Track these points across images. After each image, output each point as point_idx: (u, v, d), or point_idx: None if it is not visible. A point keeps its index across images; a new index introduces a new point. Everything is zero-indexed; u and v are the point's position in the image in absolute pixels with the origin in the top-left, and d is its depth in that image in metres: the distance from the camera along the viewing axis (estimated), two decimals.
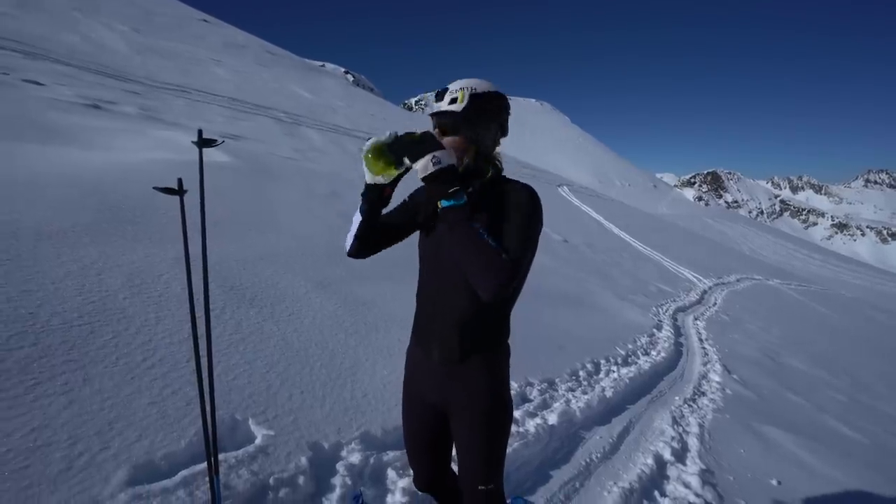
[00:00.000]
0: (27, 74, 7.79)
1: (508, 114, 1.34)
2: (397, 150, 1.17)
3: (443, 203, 1.16)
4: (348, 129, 15.76)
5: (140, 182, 3.93)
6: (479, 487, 1.35)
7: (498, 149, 1.37)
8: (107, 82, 9.91)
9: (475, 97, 1.25)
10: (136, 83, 11.05)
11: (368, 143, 1.21)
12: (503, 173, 1.37)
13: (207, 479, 1.54)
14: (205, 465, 1.67)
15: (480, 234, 1.14)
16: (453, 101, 1.25)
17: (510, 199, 1.26)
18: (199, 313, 1.59)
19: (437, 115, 1.29)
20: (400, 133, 1.19)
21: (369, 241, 1.42)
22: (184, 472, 1.65)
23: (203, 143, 1.34)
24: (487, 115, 1.28)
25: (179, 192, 1.33)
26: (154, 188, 1.35)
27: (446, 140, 1.27)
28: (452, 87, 1.27)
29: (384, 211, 1.43)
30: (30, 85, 7.20)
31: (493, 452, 1.36)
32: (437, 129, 1.30)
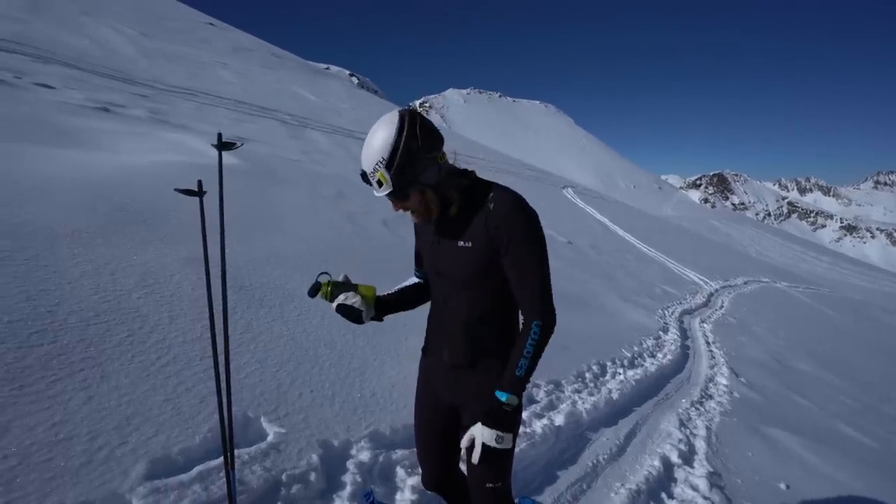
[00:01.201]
0: (38, 78, 7.90)
1: (424, 127, 1.22)
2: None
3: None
4: (353, 131, 15.85)
5: (150, 184, 3.99)
6: (488, 485, 1.38)
7: (447, 152, 1.31)
8: (115, 86, 10.04)
9: (389, 166, 1.20)
10: (144, 86, 11.18)
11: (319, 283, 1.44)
12: (495, 168, 1.39)
13: (223, 473, 1.57)
14: (219, 460, 1.70)
15: (523, 364, 1.24)
16: (380, 183, 1.23)
17: (507, 229, 1.24)
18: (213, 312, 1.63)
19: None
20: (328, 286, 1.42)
21: (427, 289, 1.56)
22: (199, 468, 1.68)
23: (223, 146, 1.38)
24: (412, 164, 1.21)
25: (199, 193, 1.37)
26: (175, 190, 1.39)
27: (407, 202, 1.28)
28: (367, 167, 1.23)
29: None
30: (41, 88, 7.31)
31: (503, 451, 1.37)
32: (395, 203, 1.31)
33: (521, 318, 1.43)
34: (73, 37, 14.46)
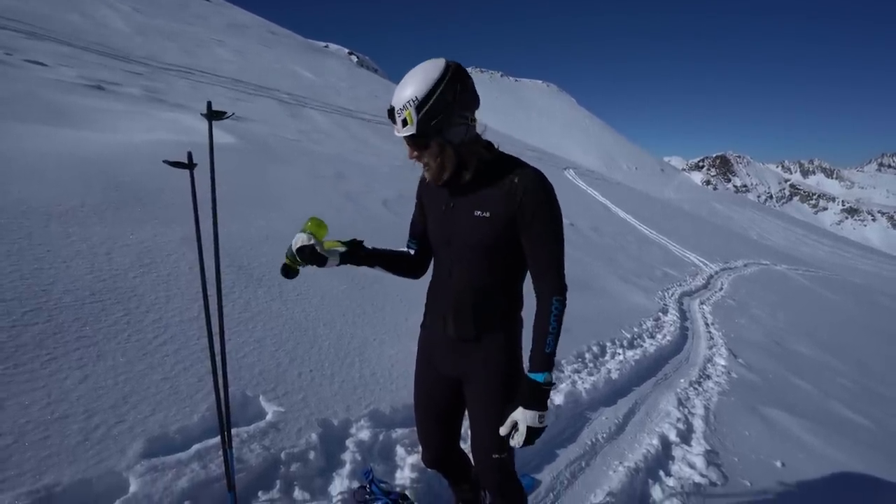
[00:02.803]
0: (30, 55, 7.73)
1: (465, 85, 1.21)
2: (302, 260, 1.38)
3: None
4: (352, 110, 15.61)
5: (145, 163, 3.92)
6: (494, 456, 1.39)
7: (480, 120, 1.29)
8: (110, 63, 9.83)
9: (420, 108, 1.17)
10: (138, 64, 10.95)
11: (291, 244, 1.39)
12: (500, 149, 1.34)
13: (220, 452, 1.56)
14: (217, 439, 1.70)
15: (550, 343, 1.27)
16: (405, 123, 1.19)
17: (533, 204, 1.25)
18: (209, 291, 1.60)
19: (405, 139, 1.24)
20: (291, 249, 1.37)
21: (415, 262, 1.54)
22: (197, 446, 1.68)
23: (213, 115, 1.32)
24: (443, 114, 1.18)
25: (189, 165, 1.32)
26: (164, 161, 1.35)
27: (424, 153, 1.24)
28: (396, 104, 1.19)
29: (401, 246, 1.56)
30: (33, 65, 7.15)
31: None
32: (411, 150, 1.26)
33: (522, 296, 1.41)
34: (67, 13, 14.11)
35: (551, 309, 1.27)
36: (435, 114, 1.17)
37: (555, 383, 1.31)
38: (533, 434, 1.24)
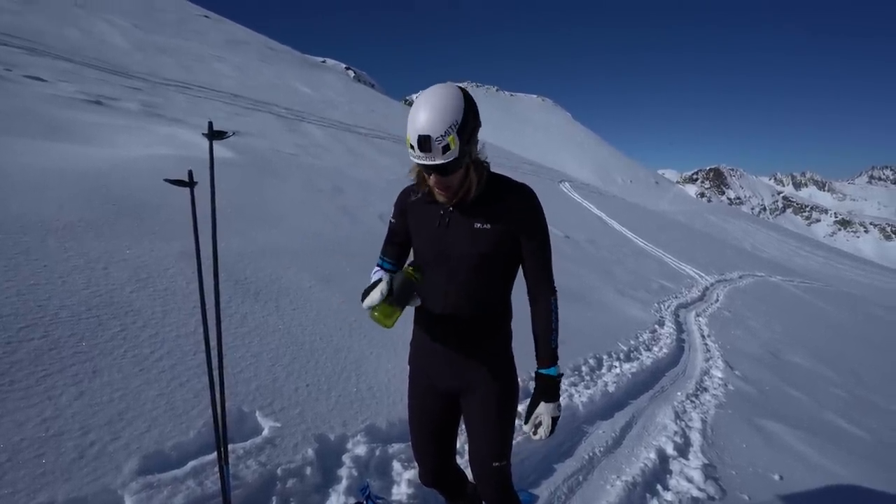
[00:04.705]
0: (29, 70, 7.78)
1: (477, 109, 1.24)
2: (399, 300, 1.21)
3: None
4: (350, 125, 15.75)
5: (143, 178, 3.94)
6: (494, 464, 1.41)
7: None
8: (108, 78, 9.91)
9: (462, 132, 1.16)
10: (137, 79, 11.04)
11: (369, 307, 1.20)
12: (494, 164, 1.40)
13: (216, 469, 1.56)
14: (213, 455, 1.69)
15: (553, 339, 1.37)
16: (446, 149, 1.15)
17: (530, 217, 1.34)
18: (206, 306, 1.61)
19: (435, 166, 1.19)
20: (384, 286, 1.20)
21: None
22: (193, 463, 1.67)
23: (214, 135, 1.35)
24: (472, 135, 1.22)
25: (190, 183, 1.34)
26: (165, 180, 1.37)
27: (450, 178, 1.23)
28: (433, 131, 1.13)
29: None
30: (32, 81, 7.20)
31: (507, 430, 1.44)
32: (432, 176, 1.22)
33: (512, 306, 1.46)
34: (66, 29, 14.25)
35: (551, 308, 1.37)
36: (470, 137, 1.21)
37: (563, 373, 1.43)
38: (554, 424, 1.35)
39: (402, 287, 1.18)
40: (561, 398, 3.03)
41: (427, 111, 1.14)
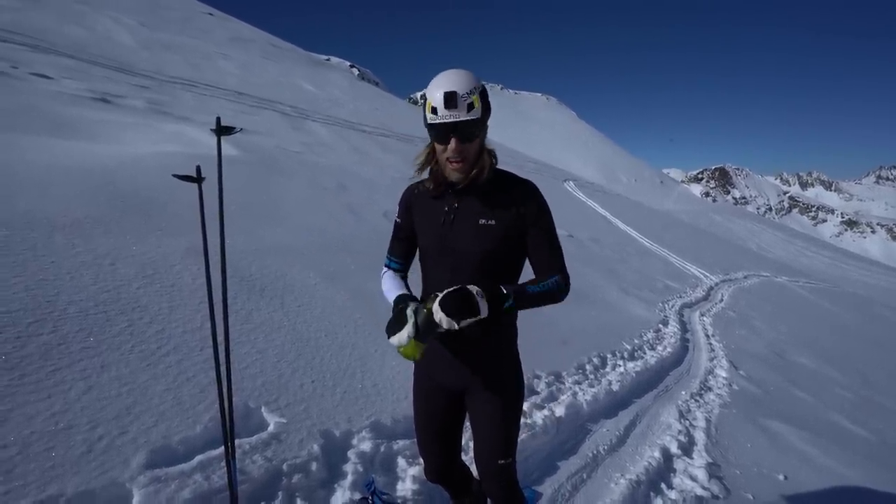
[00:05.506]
0: (35, 68, 7.84)
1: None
2: (425, 335, 1.22)
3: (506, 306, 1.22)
4: (354, 123, 15.76)
5: (150, 175, 3.96)
6: (499, 462, 1.41)
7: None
8: (114, 76, 9.95)
9: (483, 97, 1.22)
10: (143, 77, 11.09)
11: (396, 344, 1.22)
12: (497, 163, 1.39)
13: (223, 463, 1.57)
14: (220, 450, 1.70)
15: (533, 289, 1.26)
16: (471, 107, 1.18)
17: (536, 209, 1.33)
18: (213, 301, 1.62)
19: (458, 126, 1.19)
20: (411, 329, 1.20)
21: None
22: (200, 457, 1.69)
23: (221, 130, 1.36)
24: (489, 111, 1.26)
25: (198, 179, 1.35)
26: (173, 175, 1.38)
27: (468, 147, 1.23)
28: (460, 88, 1.17)
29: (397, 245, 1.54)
30: (38, 78, 7.25)
31: (512, 428, 1.43)
32: (450, 144, 1.22)
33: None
34: (71, 26, 14.33)
35: (549, 279, 1.30)
36: (488, 107, 1.25)
37: (512, 305, 1.23)
38: (456, 316, 1.14)
39: (427, 324, 1.21)
40: (563, 396, 3.06)
41: (451, 76, 1.21)
